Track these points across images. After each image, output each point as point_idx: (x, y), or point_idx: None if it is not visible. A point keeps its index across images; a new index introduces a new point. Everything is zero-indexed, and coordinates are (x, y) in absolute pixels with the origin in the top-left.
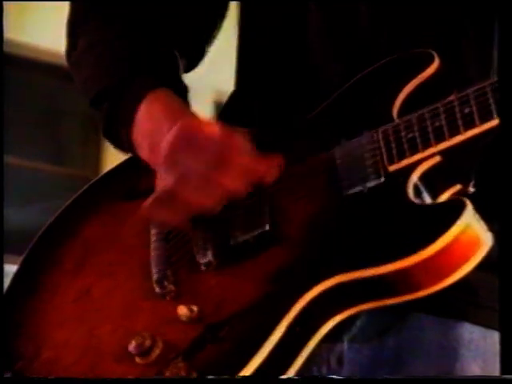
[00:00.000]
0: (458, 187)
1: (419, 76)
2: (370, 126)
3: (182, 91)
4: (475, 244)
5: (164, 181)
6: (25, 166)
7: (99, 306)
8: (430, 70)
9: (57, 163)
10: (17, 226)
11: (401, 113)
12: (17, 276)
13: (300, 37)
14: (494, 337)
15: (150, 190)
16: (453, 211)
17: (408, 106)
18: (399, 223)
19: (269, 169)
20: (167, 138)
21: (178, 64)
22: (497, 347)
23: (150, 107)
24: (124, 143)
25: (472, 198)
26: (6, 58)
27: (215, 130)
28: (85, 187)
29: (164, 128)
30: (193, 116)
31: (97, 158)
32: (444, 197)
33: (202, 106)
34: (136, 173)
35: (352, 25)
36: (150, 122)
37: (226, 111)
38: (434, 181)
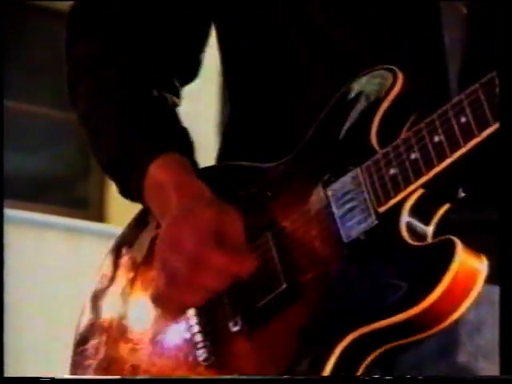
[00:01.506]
0: (447, 206)
1: (387, 98)
2: (353, 160)
3: (186, 145)
4: (474, 276)
5: (158, 277)
6: (34, 112)
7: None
8: (396, 89)
9: (64, 109)
10: (29, 172)
11: (380, 138)
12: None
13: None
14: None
15: None
16: (446, 252)
17: (384, 128)
18: (400, 270)
19: (244, 266)
20: (163, 232)
21: (174, 112)
22: (487, 295)
23: (157, 175)
24: (138, 201)
25: (464, 200)
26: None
27: (204, 223)
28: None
29: (170, 199)
30: (194, 185)
31: None
32: (437, 218)
33: None
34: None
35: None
36: (158, 190)
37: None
38: (423, 210)
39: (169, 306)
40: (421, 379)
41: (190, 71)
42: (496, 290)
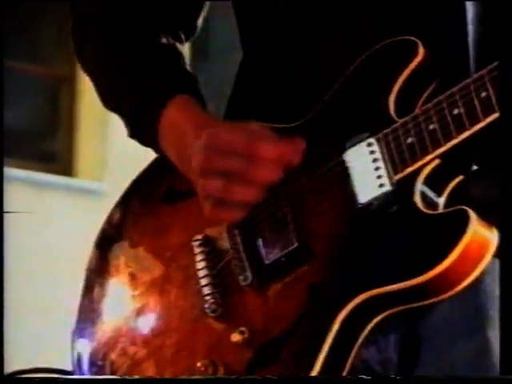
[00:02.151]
0: (460, 177)
1: (407, 69)
2: (370, 128)
3: (196, 87)
4: (485, 246)
5: (210, 184)
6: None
7: (159, 325)
8: (417, 60)
9: (33, 62)
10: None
11: (397, 108)
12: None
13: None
14: None
15: (188, 191)
16: (459, 222)
17: (402, 98)
18: (414, 236)
19: (293, 152)
20: (196, 151)
21: (183, 61)
22: None
23: (172, 116)
24: (150, 145)
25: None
26: None
27: (236, 130)
28: (125, 190)
29: (188, 137)
30: (211, 121)
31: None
32: (449, 189)
33: None
34: (170, 173)
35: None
36: (173, 131)
37: (231, 110)
38: (437, 180)
39: (230, 208)
40: (421, 379)
41: (191, 24)
42: None
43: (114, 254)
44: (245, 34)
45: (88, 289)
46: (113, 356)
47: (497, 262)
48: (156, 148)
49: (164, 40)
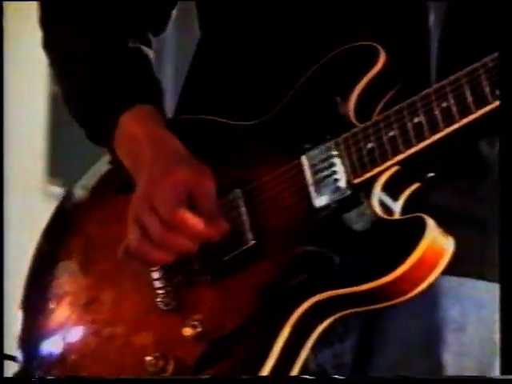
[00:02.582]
0: (416, 184)
1: (368, 74)
2: (329, 131)
3: (158, 97)
4: (440, 254)
5: (130, 232)
6: None
7: (110, 315)
8: (378, 66)
9: None
10: None
11: (357, 113)
12: (29, 273)
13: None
14: (468, 283)
15: None
16: (417, 229)
17: (363, 103)
18: (371, 240)
19: (215, 233)
20: (141, 183)
21: (149, 66)
22: (471, 291)
23: (129, 127)
24: (105, 148)
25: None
26: None
27: (177, 184)
28: (79, 181)
29: (145, 153)
30: (168, 138)
31: None
32: (405, 195)
33: None
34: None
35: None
36: (129, 143)
37: (185, 102)
38: (394, 186)
39: (138, 260)
40: (420, 379)
41: (161, 24)
42: (479, 286)
43: (64, 243)
44: (204, 14)
45: (36, 277)
46: (62, 345)
47: (456, 282)
48: (111, 152)
49: (131, 43)
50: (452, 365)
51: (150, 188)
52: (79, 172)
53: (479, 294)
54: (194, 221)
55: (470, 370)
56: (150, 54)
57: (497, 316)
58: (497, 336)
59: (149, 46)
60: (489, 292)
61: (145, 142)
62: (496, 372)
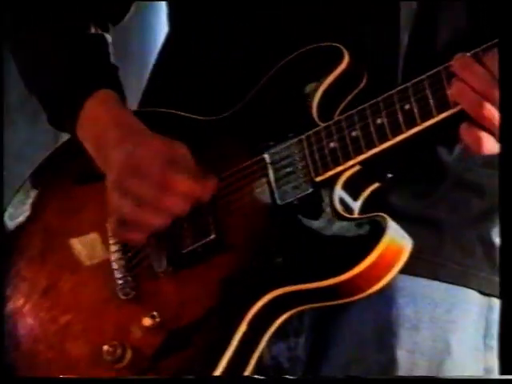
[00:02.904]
0: (376, 185)
1: (331, 74)
2: (293, 129)
3: (117, 82)
4: (398, 253)
5: (121, 204)
6: None
7: (68, 303)
8: (341, 66)
9: None
10: None
11: (320, 112)
12: None
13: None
14: (423, 283)
15: (100, 175)
16: (377, 228)
17: (326, 102)
18: (330, 238)
19: (204, 190)
20: (114, 165)
21: (108, 51)
22: (425, 291)
23: (93, 111)
24: (67, 132)
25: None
26: None
27: (157, 152)
28: (34, 170)
29: (109, 135)
30: (134, 121)
31: None
32: (365, 195)
33: None
34: (81, 155)
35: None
36: (93, 126)
37: (150, 95)
38: (354, 185)
39: (135, 230)
40: (419, 379)
41: (121, 15)
42: (434, 286)
43: (24, 231)
44: (173, 11)
45: None
46: (18, 330)
47: (411, 281)
48: (73, 136)
49: (93, 30)
50: (405, 361)
51: (129, 161)
52: None
53: (433, 294)
54: (184, 180)
55: (421, 367)
56: (109, 38)
57: (450, 315)
58: (449, 335)
59: (107, 32)
60: (442, 292)
61: (110, 124)
62: (446, 371)
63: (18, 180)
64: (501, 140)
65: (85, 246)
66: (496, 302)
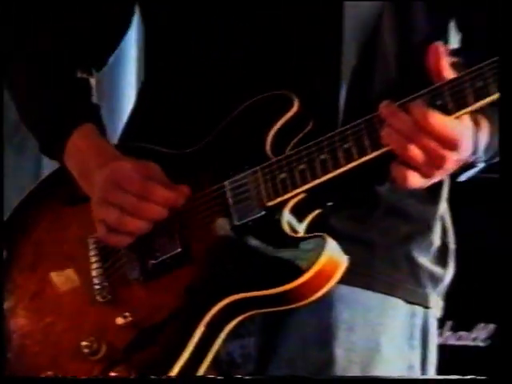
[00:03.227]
0: (317, 211)
1: (283, 117)
2: (250, 162)
3: (99, 118)
4: (336, 267)
5: (106, 213)
6: None
7: (53, 305)
8: (291, 111)
9: None
10: None
11: (273, 148)
12: None
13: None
14: (357, 292)
15: (86, 197)
16: (319, 246)
17: (278, 140)
18: (279, 253)
19: (178, 197)
20: (99, 181)
21: (91, 92)
22: (360, 299)
23: (77, 143)
24: (56, 160)
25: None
26: None
27: (135, 170)
28: (31, 190)
29: (90, 164)
30: (112, 151)
31: None
32: (309, 219)
33: None
34: (71, 182)
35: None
36: (77, 156)
37: (129, 131)
38: (300, 210)
39: (120, 235)
40: (418, 379)
41: (103, 63)
42: (367, 294)
43: (18, 245)
44: (150, 55)
45: None
46: (10, 327)
47: (348, 290)
48: (61, 164)
49: (79, 74)
50: (341, 358)
51: (111, 178)
52: None
53: (366, 301)
54: (161, 189)
55: (355, 363)
56: (93, 82)
57: (380, 319)
58: (379, 336)
59: (92, 76)
60: (374, 300)
61: (91, 153)
62: (375, 367)
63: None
64: (501, 139)
65: (68, 259)
66: (418, 310)
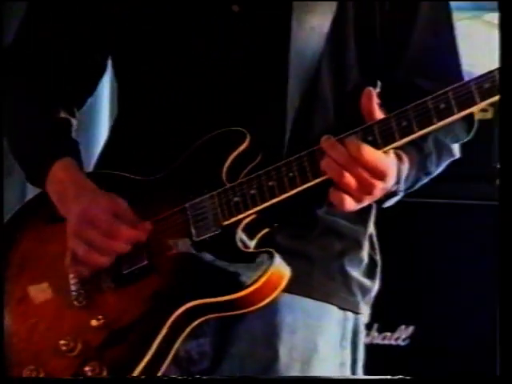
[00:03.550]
0: (266, 230)
1: (236, 150)
2: (208, 187)
3: (77, 153)
4: (281, 278)
5: (76, 246)
6: None
7: (36, 309)
8: (244, 145)
9: None
10: None
11: (228, 176)
12: None
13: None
14: (299, 299)
15: (63, 218)
16: (267, 259)
17: (232, 169)
18: (232, 265)
19: (140, 234)
20: (72, 218)
21: (71, 130)
22: (301, 305)
23: (57, 174)
24: (39, 187)
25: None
26: None
27: (105, 208)
28: (19, 209)
29: (68, 193)
30: (87, 182)
31: None
32: (258, 236)
33: None
34: (51, 204)
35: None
36: (57, 185)
37: (104, 160)
38: (251, 229)
39: (85, 266)
40: (416, 380)
41: (83, 103)
42: (307, 302)
43: (6, 255)
44: (122, 89)
45: None
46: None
47: (291, 297)
48: (43, 190)
49: (62, 114)
50: (285, 356)
51: (84, 214)
52: None
53: (306, 307)
54: (126, 228)
55: (296, 361)
56: (74, 122)
57: (318, 323)
58: (317, 337)
59: (73, 115)
60: (313, 306)
61: (69, 183)
62: (313, 364)
63: None
64: (501, 139)
65: (49, 270)
66: (350, 315)
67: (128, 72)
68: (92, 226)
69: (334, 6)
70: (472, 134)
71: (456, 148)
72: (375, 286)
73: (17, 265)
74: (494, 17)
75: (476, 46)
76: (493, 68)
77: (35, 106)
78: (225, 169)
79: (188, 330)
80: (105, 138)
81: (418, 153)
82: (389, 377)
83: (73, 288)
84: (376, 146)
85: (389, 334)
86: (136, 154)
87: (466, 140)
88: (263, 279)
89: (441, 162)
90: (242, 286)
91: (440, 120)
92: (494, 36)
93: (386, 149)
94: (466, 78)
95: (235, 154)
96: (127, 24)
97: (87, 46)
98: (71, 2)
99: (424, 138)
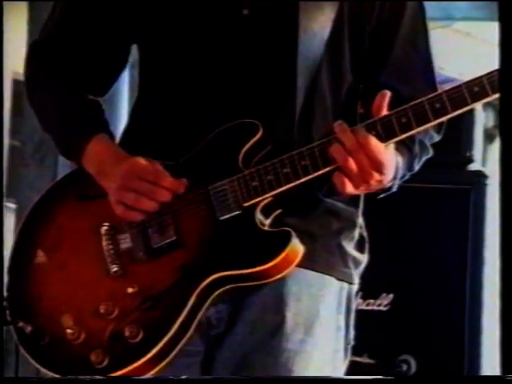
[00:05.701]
0: (279, 211)
1: (251, 140)
2: (228, 172)
3: (111, 132)
4: (296, 255)
5: (125, 196)
6: None
7: (75, 277)
8: (257, 136)
9: None
10: None
11: (244, 163)
12: (16, 247)
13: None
14: (304, 272)
15: (94, 195)
16: (285, 237)
17: (247, 157)
18: (253, 242)
19: (179, 186)
20: (119, 173)
21: (103, 109)
22: (305, 277)
23: (95, 147)
24: (74, 162)
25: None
26: None
27: (148, 164)
28: (53, 185)
29: (107, 163)
30: (123, 153)
31: None
32: (272, 216)
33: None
34: (85, 180)
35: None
36: (96, 157)
37: (123, 146)
38: (267, 210)
39: (135, 212)
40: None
41: (105, 91)
42: (310, 274)
43: (41, 229)
44: (144, 74)
45: (21, 252)
46: (45, 289)
47: (296, 270)
48: (79, 164)
49: (91, 96)
50: (291, 319)
51: (130, 169)
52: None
53: (310, 279)
54: (169, 178)
55: (299, 324)
56: (102, 103)
57: (320, 292)
58: (319, 305)
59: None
60: (316, 277)
61: (107, 154)
62: (316, 327)
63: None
64: (501, 139)
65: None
66: (345, 285)
67: (152, 61)
68: (139, 178)
69: (333, 14)
70: (442, 134)
71: (430, 147)
72: (365, 259)
73: (54, 236)
74: (464, 25)
75: (447, 52)
76: (462, 71)
77: (69, 90)
78: (241, 156)
79: (212, 298)
80: (123, 126)
81: (408, 154)
82: (388, 377)
83: (109, 259)
84: (380, 139)
85: (372, 300)
86: (155, 139)
87: (437, 140)
88: (283, 255)
89: (421, 160)
90: (264, 261)
91: (436, 118)
92: (464, 43)
93: (387, 143)
94: (438, 81)
95: (250, 143)
96: (152, 19)
97: (114, 37)
98: None
99: (413, 140)
